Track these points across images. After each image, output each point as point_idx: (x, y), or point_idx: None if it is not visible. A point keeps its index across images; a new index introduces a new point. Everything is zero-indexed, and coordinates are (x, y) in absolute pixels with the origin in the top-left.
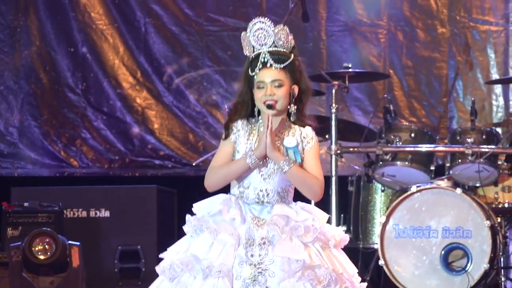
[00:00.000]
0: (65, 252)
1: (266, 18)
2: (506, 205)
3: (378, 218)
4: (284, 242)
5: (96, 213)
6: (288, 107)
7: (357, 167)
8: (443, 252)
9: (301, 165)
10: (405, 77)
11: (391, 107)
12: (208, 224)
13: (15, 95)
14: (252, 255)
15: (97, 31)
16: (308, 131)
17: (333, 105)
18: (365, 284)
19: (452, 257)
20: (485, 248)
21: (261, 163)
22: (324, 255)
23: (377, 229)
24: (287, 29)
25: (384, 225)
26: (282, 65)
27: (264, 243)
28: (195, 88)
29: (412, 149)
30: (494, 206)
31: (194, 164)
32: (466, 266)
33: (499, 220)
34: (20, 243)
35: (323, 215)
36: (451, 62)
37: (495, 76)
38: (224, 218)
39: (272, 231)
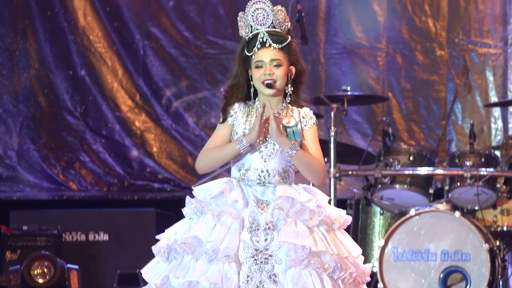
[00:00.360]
0: (64, 275)
1: None
2: (505, 228)
3: (377, 241)
4: (289, 227)
5: (95, 237)
6: (286, 88)
7: (356, 190)
8: (442, 275)
9: (300, 144)
10: (404, 100)
11: (390, 130)
12: (211, 206)
13: (14, 118)
14: (257, 241)
15: (96, 54)
16: (307, 111)
17: (332, 128)
18: (370, 264)
19: (451, 280)
20: (484, 272)
21: (253, 147)
22: (329, 239)
23: (376, 252)
24: (285, 10)
25: (383, 248)
26: (280, 45)
27: (269, 228)
28: (194, 111)
29: (410, 172)
30: (492, 229)
31: (193, 187)
32: None
33: (498, 243)
34: (18, 266)
35: (324, 197)
36: (449, 85)
37: (494, 99)
38: (226, 201)
39: (277, 215)
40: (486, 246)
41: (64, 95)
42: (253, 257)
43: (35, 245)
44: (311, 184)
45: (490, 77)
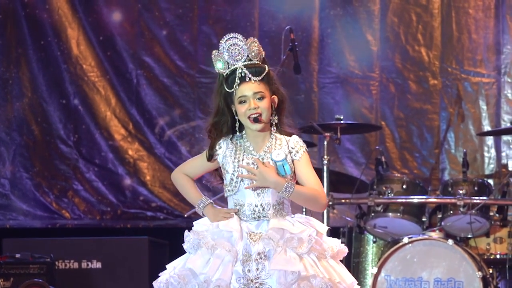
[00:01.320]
0: None
1: (236, 33)
2: (498, 256)
3: (370, 269)
4: (279, 256)
5: (87, 265)
6: (270, 118)
7: (349, 219)
8: None
9: (293, 176)
10: (397, 129)
11: (383, 159)
12: (207, 239)
13: (7, 146)
14: (249, 270)
15: (89, 83)
16: (295, 140)
17: (325, 156)
18: None
19: None
20: None
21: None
22: (319, 265)
23: (369, 280)
24: (257, 40)
25: (376, 276)
26: (260, 77)
27: (261, 258)
28: (187, 140)
29: (404, 200)
30: (486, 257)
31: (186, 215)
32: None
33: (491, 271)
34: None
35: (322, 227)
36: (442, 114)
37: (487, 127)
38: (223, 234)
39: (268, 246)
40: (479, 274)
41: (57, 123)
42: (244, 286)
43: (28, 273)
44: (305, 212)
45: (483, 106)
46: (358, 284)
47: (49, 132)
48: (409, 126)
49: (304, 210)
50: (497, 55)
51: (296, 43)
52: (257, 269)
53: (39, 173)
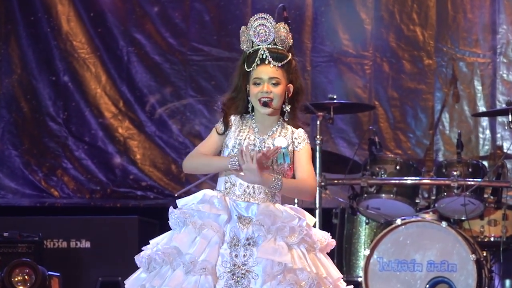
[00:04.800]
0: (45, 283)
1: (268, 15)
2: (492, 238)
3: (362, 251)
4: (268, 244)
5: (76, 244)
6: (283, 106)
7: (341, 200)
8: (427, 286)
9: (290, 166)
10: (391, 109)
11: (376, 139)
12: (193, 218)
13: None
14: (236, 256)
15: (79, 59)
16: (300, 133)
17: (318, 136)
18: (351, 287)
19: None
20: (470, 282)
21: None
22: (308, 258)
23: (361, 262)
24: (287, 27)
25: (368, 258)
26: (280, 63)
27: (249, 243)
28: (178, 118)
29: (397, 181)
30: (479, 239)
31: (176, 195)
32: None
33: (484, 254)
34: None
35: (310, 218)
36: (437, 94)
37: (482, 108)
38: (209, 214)
39: (258, 231)
40: (472, 256)
41: (46, 100)
42: (230, 271)
43: (16, 252)
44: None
45: (478, 86)
46: (349, 265)
47: (38, 109)
48: (403, 106)
49: (296, 202)
50: (492, 35)
51: (289, 21)
52: (245, 255)
53: (28, 150)
